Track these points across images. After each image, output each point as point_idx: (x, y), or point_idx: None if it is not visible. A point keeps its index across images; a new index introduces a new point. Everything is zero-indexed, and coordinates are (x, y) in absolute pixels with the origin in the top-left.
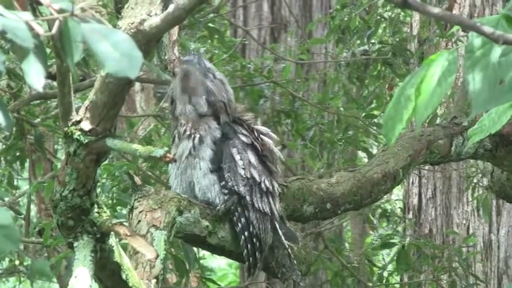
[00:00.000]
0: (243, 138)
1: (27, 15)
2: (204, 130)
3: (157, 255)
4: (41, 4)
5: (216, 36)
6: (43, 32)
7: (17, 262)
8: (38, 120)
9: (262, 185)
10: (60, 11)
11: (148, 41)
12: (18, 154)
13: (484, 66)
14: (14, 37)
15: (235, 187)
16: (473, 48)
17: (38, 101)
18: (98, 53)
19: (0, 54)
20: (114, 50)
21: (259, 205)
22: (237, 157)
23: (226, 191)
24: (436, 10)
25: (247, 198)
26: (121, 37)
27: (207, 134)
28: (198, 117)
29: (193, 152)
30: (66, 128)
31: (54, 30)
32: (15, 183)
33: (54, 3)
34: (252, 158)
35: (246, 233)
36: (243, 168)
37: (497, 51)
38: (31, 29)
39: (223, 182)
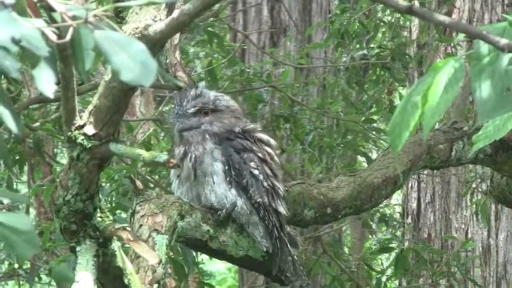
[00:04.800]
0: (258, 154)
1: (40, 22)
2: (198, 150)
3: (160, 261)
4: (53, 10)
5: (215, 41)
6: (56, 40)
7: (16, 265)
8: (37, 124)
9: (279, 191)
10: (73, 17)
11: (153, 46)
12: (17, 158)
13: (491, 74)
14: (29, 45)
15: (260, 199)
16: (480, 56)
17: (37, 105)
18: (113, 62)
19: (15, 62)
20: (131, 60)
21: (280, 209)
22: (256, 172)
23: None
24: (442, 18)
25: (273, 205)
26: (138, 48)
27: (203, 153)
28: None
29: (199, 172)
30: (69, 133)
31: (68, 37)
32: (14, 186)
33: (68, 10)
34: (268, 170)
35: (276, 232)
36: (265, 180)
37: (504, 59)
38: (44, 36)
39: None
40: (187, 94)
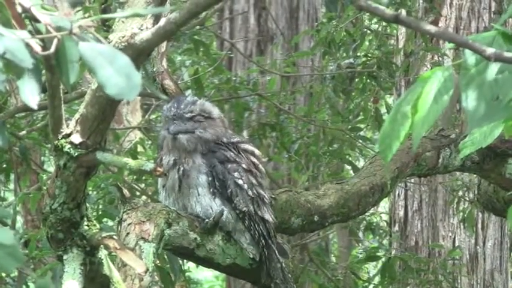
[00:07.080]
0: (243, 165)
1: (25, 34)
2: (187, 164)
3: (147, 269)
4: (38, 21)
5: (202, 49)
6: (41, 51)
7: (3, 274)
8: (24, 132)
9: (265, 199)
10: (58, 29)
11: (139, 55)
12: (4, 166)
13: (480, 84)
14: (13, 57)
15: (245, 208)
16: (468, 66)
17: (24, 114)
18: (99, 76)
19: (0, 74)
20: (116, 74)
21: (266, 216)
22: (240, 181)
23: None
24: (428, 26)
25: (259, 213)
26: (123, 61)
27: (191, 168)
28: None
29: (184, 184)
30: (56, 141)
31: (52, 48)
32: (1, 194)
33: (53, 21)
34: (253, 179)
35: (263, 241)
36: (250, 189)
37: (493, 68)
38: (28, 46)
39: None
40: (185, 98)
